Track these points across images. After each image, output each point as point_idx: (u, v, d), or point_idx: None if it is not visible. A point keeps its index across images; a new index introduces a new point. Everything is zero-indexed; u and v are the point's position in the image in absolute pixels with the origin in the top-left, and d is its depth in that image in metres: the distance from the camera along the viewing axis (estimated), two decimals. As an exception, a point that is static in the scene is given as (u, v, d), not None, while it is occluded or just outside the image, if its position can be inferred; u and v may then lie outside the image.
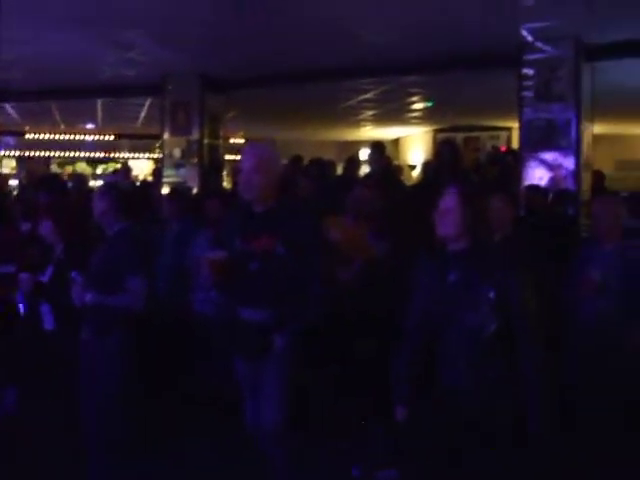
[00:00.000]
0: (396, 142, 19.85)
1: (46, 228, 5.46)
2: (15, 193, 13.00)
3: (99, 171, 20.78)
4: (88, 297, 4.74)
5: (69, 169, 20.12)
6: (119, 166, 18.73)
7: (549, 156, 8.72)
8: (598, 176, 10.33)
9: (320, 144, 19.82)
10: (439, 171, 8.29)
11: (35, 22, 8.21)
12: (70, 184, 12.03)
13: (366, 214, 6.06)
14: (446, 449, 3.51)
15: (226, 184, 13.44)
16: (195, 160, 11.58)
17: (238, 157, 16.45)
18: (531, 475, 3.45)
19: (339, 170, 11.29)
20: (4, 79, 11.62)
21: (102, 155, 20.68)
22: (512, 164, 10.23)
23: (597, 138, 9.71)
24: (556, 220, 7.60)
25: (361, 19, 7.93)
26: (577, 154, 8.63)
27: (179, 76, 11.36)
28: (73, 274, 4.84)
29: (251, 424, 4.51)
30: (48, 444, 5.51)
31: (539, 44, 8.57)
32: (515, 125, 10.19)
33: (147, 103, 13.87)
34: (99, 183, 13.94)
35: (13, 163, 20.89)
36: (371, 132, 18.45)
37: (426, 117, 16.02)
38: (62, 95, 13.13)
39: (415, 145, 19.04)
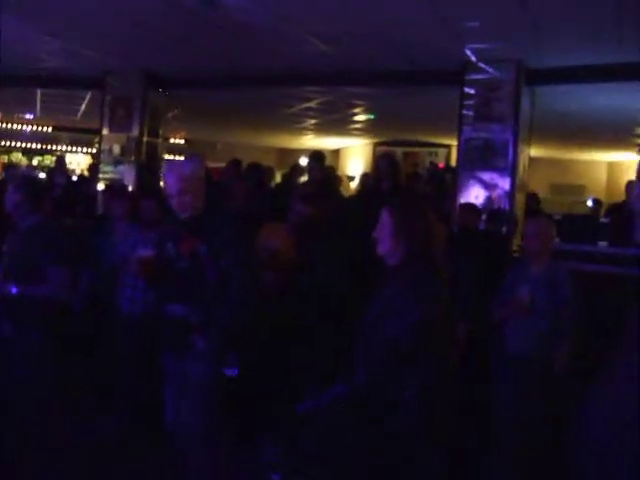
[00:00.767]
0: (336, 152, 19.91)
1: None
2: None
3: (35, 162, 20.38)
4: (10, 288, 4.71)
5: (4, 158, 19.68)
6: (54, 158, 18.45)
7: (486, 175, 8.81)
8: (532, 198, 10.52)
9: (261, 149, 19.83)
10: (377, 183, 8.33)
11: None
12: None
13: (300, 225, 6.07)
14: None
15: (162, 183, 13.32)
16: (133, 158, 11.44)
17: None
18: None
19: (277, 177, 11.30)
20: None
21: (39, 147, 20.28)
22: (449, 181, 10.34)
23: (534, 161, 9.89)
24: (488, 238, 7.71)
25: (308, 26, 7.93)
26: (513, 175, 8.72)
27: (121, 71, 11.21)
28: None
29: (170, 423, 4.52)
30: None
31: (482, 64, 8.67)
32: (454, 143, 10.29)
33: (88, 97, 13.66)
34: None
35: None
36: (312, 141, 18.48)
37: (367, 129, 16.09)
38: (0, 82, 12.85)
39: (355, 156, 19.12)
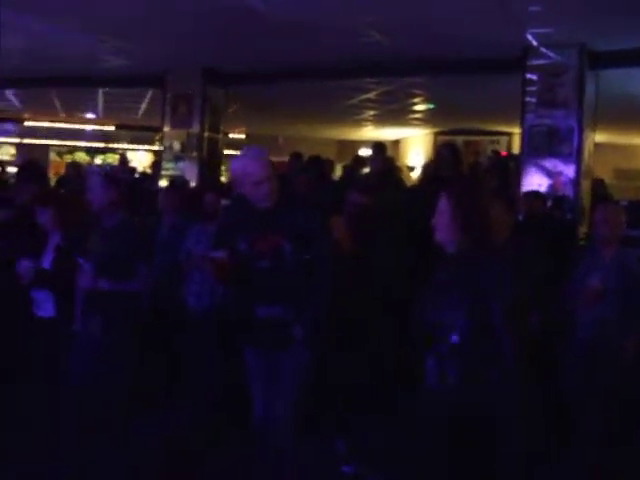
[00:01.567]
0: (396, 143, 19.82)
1: (45, 216, 5.43)
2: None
3: (98, 161, 20.70)
4: (101, 283, 4.80)
5: (68, 158, 20.01)
6: (117, 157, 18.73)
7: (550, 163, 8.68)
8: (599, 184, 10.32)
9: (321, 142, 19.77)
10: (438, 173, 8.27)
11: (37, 11, 8.19)
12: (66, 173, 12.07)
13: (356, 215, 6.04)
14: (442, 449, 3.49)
15: (224, 179, 13.40)
16: (194, 153, 11.54)
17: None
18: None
19: (338, 169, 11.28)
20: (5, 66, 11.58)
21: (101, 145, 20.62)
22: (512, 169, 10.21)
23: (597, 146, 9.70)
24: (554, 225, 7.59)
25: (367, 18, 7.90)
26: (578, 162, 8.60)
27: (181, 69, 11.32)
28: (81, 261, 4.87)
29: (260, 418, 4.48)
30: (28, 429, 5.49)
31: (544, 50, 8.54)
32: (516, 130, 10.18)
33: (148, 95, 13.83)
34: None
35: (12, 150, 20.82)
36: (372, 132, 18.43)
37: (427, 119, 16.01)
38: (63, 83, 13.07)
39: (415, 147, 19.01)
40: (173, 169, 11.68)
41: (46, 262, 5.39)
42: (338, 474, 5.19)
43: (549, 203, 8.04)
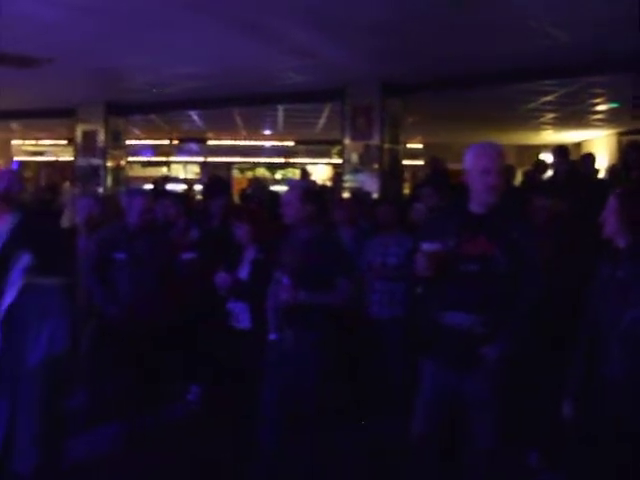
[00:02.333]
0: (578, 145, 19.28)
1: (242, 231, 5.72)
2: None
3: (278, 176, 21.30)
4: (301, 296, 4.82)
5: (249, 174, 20.71)
6: (297, 172, 19.18)
7: None
8: None
9: (499, 148, 19.45)
10: (627, 174, 8.08)
11: (218, 32, 8.54)
12: (250, 189, 12.52)
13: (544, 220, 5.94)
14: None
15: (406, 190, 13.47)
16: (375, 165, 11.67)
17: (416, 162, 16.56)
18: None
19: (518, 175, 11.12)
20: (191, 88, 12.16)
21: (282, 160, 21.22)
22: None
23: None
24: None
25: (550, 16, 7.75)
26: None
27: (360, 81, 11.48)
28: (278, 274, 4.98)
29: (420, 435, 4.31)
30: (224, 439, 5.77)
31: None
32: None
33: (326, 109, 14.11)
34: (281, 188, 14.23)
35: (197, 169, 21.77)
36: (552, 136, 18.05)
37: (610, 119, 15.48)
38: (244, 102, 13.54)
39: (599, 148, 18.40)
40: (353, 181, 11.85)
41: (242, 275, 5.65)
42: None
43: None
